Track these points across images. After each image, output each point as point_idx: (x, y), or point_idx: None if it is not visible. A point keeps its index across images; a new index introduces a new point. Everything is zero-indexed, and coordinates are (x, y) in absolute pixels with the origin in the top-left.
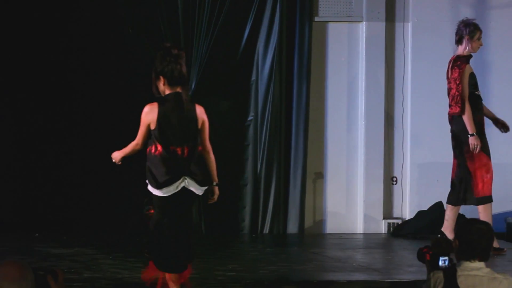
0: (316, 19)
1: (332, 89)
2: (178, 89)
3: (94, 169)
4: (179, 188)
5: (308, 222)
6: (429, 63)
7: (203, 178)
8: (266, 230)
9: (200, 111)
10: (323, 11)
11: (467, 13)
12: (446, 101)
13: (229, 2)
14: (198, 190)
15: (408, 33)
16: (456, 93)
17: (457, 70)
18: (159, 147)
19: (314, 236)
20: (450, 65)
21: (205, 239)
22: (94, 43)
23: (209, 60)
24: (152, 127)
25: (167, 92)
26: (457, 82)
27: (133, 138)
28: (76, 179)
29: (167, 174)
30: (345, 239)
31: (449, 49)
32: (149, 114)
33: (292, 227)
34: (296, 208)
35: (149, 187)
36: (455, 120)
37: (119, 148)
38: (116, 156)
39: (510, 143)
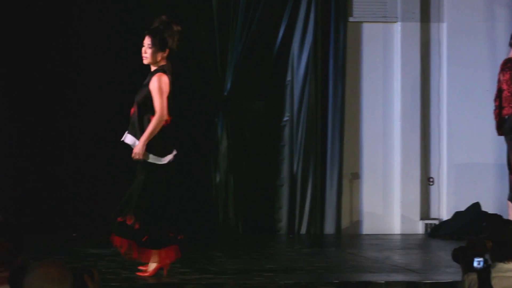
0: (351, 19)
1: (367, 90)
2: (165, 62)
3: (132, 169)
4: (172, 159)
5: (345, 223)
6: (465, 64)
7: None
8: (303, 230)
9: None
10: (358, 12)
11: (502, 13)
12: (483, 101)
13: (263, 2)
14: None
15: (443, 34)
16: (508, 94)
17: (509, 72)
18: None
19: (351, 236)
20: (501, 67)
21: (242, 239)
22: (119, 43)
23: (244, 60)
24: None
25: (162, 63)
26: (509, 83)
27: None
28: (115, 179)
29: (167, 145)
30: (382, 240)
31: (484, 50)
32: (169, 85)
33: (329, 228)
34: (333, 209)
35: (150, 157)
36: (508, 120)
37: None
38: (141, 153)
39: None
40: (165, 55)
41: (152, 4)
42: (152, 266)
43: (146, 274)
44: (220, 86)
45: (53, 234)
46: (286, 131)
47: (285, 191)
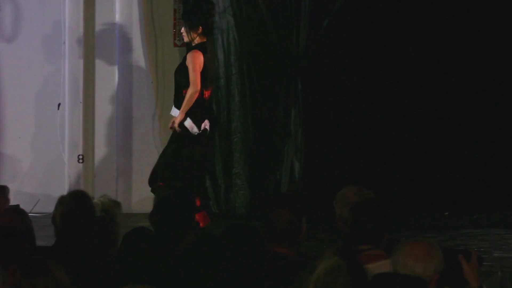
0: None
1: None
2: (205, 39)
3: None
4: (205, 127)
5: None
6: None
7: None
8: None
9: None
10: None
11: None
12: None
13: None
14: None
15: None
16: None
17: None
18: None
19: None
20: None
21: None
22: None
23: None
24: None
25: (199, 40)
26: None
27: None
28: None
29: (201, 115)
30: None
31: None
32: (201, 59)
33: None
34: None
35: (191, 126)
36: None
37: None
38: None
39: None
40: (198, 32)
41: None
42: None
43: None
44: None
45: (425, 212)
46: None
47: None
